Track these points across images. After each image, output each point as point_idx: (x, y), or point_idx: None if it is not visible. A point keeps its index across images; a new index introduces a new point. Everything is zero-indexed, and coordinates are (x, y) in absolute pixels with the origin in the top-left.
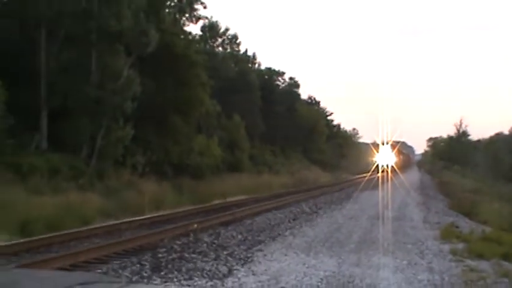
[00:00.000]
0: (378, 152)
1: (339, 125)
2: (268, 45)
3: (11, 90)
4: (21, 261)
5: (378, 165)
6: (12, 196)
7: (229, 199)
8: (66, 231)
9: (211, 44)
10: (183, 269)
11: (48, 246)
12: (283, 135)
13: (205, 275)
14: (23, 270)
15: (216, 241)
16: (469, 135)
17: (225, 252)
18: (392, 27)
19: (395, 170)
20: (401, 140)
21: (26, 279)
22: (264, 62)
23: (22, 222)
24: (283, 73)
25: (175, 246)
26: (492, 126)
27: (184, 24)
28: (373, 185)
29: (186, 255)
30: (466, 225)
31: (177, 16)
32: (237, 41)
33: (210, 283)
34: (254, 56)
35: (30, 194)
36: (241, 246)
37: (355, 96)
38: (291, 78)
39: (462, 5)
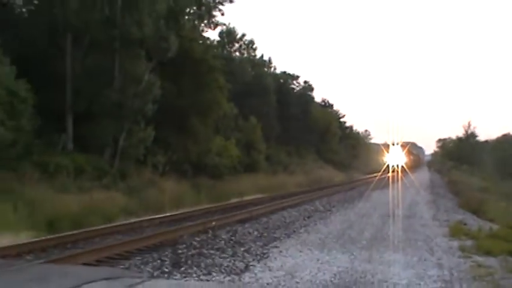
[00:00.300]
0: (388, 152)
1: (351, 127)
2: (283, 50)
3: (39, 94)
4: (49, 257)
5: (388, 165)
6: (39, 194)
7: (245, 198)
8: (90, 228)
9: (229, 49)
10: (202, 265)
11: (74, 243)
12: (297, 136)
13: (223, 271)
14: (51, 266)
15: (233, 238)
16: (477, 136)
17: (242, 249)
18: (403, 29)
19: (405, 169)
20: (412, 141)
21: (54, 274)
22: (280, 66)
23: (49, 220)
24: (298, 77)
25: (194, 243)
26: (499, 127)
27: (203, 31)
28: (384, 184)
29: (205, 251)
30: (474, 222)
31: (196, 23)
32: (253, 46)
33: (228, 278)
34: (270, 60)
35: (57, 192)
36: (258, 243)
37: (367, 98)
38: (305, 82)
39: (468, 8)
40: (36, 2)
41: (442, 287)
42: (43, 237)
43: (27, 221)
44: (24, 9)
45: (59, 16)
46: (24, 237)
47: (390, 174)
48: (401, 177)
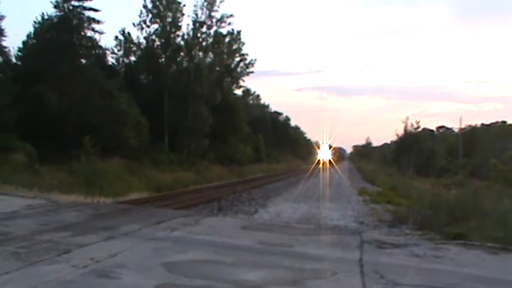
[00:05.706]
0: (323, 151)
1: (310, 139)
2: (275, 97)
3: (151, 122)
4: (155, 205)
5: (320, 160)
6: (151, 174)
7: (256, 175)
8: (176, 191)
9: (247, 99)
10: (233, 210)
11: (168, 198)
12: (282, 144)
13: (244, 213)
14: (157, 209)
15: (249, 196)
16: (372, 144)
17: (253, 202)
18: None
19: (333, 162)
20: (340, 145)
21: (158, 213)
22: (273, 107)
23: (156, 186)
24: (281, 113)
25: (229, 198)
26: (383, 138)
27: (234, 89)
28: (324, 169)
29: (234, 203)
30: (370, 187)
31: (230, 85)
32: (259, 97)
33: (246, 216)
34: (268, 105)
35: (160, 173)
36: (261, 199)
37: (318, 120)
38: (286, 117)
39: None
40: (150, 76)
41: (353, 220)
42: (153, 195)
43: (145, 187)
44: (144, 78)
45: (162, 83)
46: (144, 195)
47: (323, 164)
48: (329, 167)
